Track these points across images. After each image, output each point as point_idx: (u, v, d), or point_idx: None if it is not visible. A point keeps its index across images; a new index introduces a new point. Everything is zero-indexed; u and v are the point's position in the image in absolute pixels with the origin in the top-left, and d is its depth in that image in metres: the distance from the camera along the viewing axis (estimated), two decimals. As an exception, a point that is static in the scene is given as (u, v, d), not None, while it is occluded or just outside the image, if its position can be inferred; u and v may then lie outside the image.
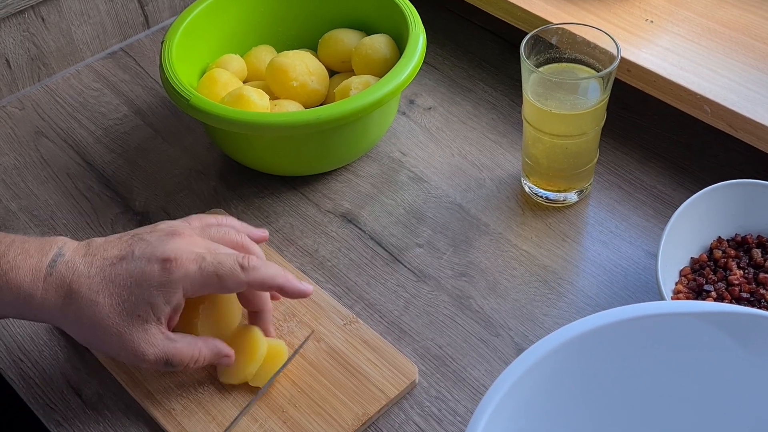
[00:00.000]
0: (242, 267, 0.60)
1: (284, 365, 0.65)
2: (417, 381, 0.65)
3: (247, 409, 0.63)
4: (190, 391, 0.65)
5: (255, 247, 0.65)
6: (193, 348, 0.61)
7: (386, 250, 0.75)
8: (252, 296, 0.65)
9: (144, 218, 0.79)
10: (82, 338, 0.62)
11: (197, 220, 0.65)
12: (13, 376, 0.67)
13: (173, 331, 0.62)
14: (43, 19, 0.91)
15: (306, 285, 0.63)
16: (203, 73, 0.84)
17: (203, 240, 0.62)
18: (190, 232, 0.62)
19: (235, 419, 0.62)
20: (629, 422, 0.52)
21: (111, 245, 0.61)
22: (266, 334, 0.65)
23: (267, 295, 0.66)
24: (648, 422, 0.52)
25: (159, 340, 0.60)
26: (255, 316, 0.66)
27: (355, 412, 0.63)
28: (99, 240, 0.62)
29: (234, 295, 0.66)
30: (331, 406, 0.63)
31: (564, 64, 0.72)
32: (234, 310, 0.67)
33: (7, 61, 0.90)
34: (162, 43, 0.80)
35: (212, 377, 0.65)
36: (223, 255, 0.60)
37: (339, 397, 0.64)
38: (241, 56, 0.86)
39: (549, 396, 0.49)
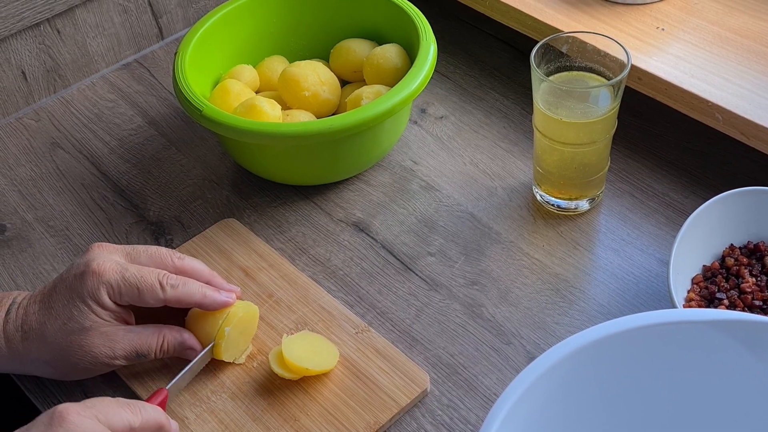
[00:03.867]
0: (161, 285, 0.64)
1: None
2: (428, 389, 0.65)
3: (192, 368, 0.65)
4: (203, 400, 0.65)
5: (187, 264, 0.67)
6: (157, 335, 0.64)
7: (398, 259, 0.75)
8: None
9: (158, 228, 0.80)
10: (56, 371, 0.65)
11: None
12: (28, 384, 0.68)
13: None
14: (58, 32, 0.92)
15: (224, 296, 0.66)
16: (216, 83, 0.84)
17: (123, 248, 0.66)
18: (110, 247, 0.66)
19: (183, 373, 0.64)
20: (640, 430, 0.52)
21: (50, 283, 0.65)
22: (215, 307, 0.66)
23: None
24: (658, 429, 0.52)
25: (120, 337, 0.63)
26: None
27: (367, 420, 0.63)
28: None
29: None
30: (342, 414, 0.63)
31: (574, 73, 0.72)
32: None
33: (23, 73, 0.92)
34: (175, 54, 0.81)
35: (224, 385, 0.66)
36: (147, 270, 0.64)
37: (350, 406, 0.64)
38: (254, 67, 0.87)
39: (560, 404, 0.49)
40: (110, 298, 0.63)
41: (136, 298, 0.63)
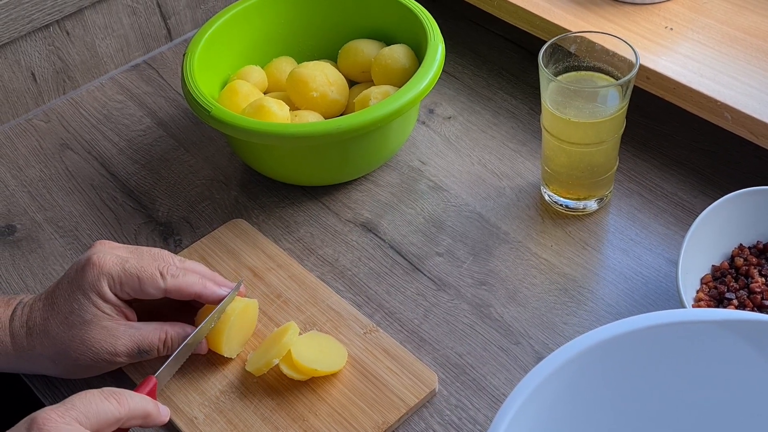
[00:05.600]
0: (161, 274, 0.64)
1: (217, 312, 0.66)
2: (437, 389, 0.65)
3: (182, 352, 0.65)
4: (212, 400, 0.65)
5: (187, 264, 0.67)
6: (159, 331, 0.64)
7: (406, 259, 0.75)
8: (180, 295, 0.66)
9: (167, 228, 0.80)
10: (58, 368, 0.65)
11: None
12: (39, 385, 0.68)
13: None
14: (67, 33, 0.92)
15: (225, 291, 0.66)
16: (224, 84, 0.85)
17: (126, 246, 0.66)
18: (113, 244, 0.66)
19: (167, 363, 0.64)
20: (648, 430, 0.52)
21: (55, 282, 0.66)
22: (215, 299, 0.66)
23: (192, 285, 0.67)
24: (667, 429, 0.52)
25: (122, 332, 0.63)
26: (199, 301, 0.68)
27: (375, 420, 0.63)
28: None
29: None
30: (350, 414, 0.63)
31: (583, 73, 0.72)
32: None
33: (32, 74, 0.92)
34: (184, 55, 0.81)
35: (233, 385, 0.66)
36: (147, 261, 0.64)
37: (359, 406, 0.64)
38: (262, 67, 0.87)
39: (568, 404, 0.49)
40: (111, 290, 0.63)
41: (137, 288, 0.63)
